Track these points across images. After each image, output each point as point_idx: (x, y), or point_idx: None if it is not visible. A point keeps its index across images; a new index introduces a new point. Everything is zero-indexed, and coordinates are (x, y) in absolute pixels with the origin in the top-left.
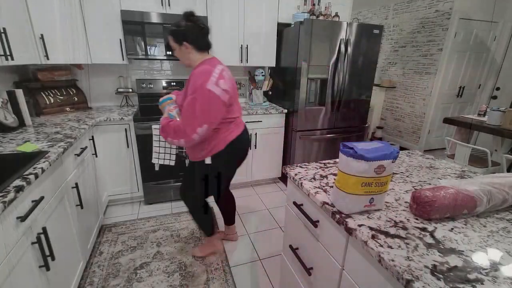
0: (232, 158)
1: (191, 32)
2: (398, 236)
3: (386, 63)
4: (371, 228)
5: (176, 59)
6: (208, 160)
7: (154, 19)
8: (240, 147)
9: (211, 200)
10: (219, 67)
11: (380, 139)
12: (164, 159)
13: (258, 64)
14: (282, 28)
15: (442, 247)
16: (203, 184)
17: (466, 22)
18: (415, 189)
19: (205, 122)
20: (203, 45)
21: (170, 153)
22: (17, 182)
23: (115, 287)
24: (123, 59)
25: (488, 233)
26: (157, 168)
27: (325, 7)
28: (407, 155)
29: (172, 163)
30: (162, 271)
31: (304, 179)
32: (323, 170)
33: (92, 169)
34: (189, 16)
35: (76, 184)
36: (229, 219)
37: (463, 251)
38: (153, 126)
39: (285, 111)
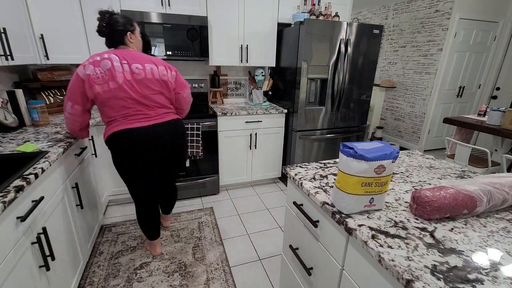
0: (115, 154)
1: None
2: (398, 236)
3: (386, 63)
4: (371, 228)
5: (176, 59)
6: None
7: (154, 19)
8: (122, 141)
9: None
10: (96, 57)
11: (380, 139)
12: None
13: (258, 64)
14: (282, 28)
15: (442, 247)
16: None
17: (466, 22)
18: (415, 189)
19: (67, 100)
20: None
21: None
22: (17, 182)
23: (115, 287)
24: None
25: (488, 233)
26: None
27: (325, 7)
28: (407, 155)
29: None
30: (162, 271)
31: (304, 179)
32: (323, 170)
33: (92, 169)
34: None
35: (76, 184)
36: (166, 210)
37: (463, 251)
38: None
39: (285, 111)
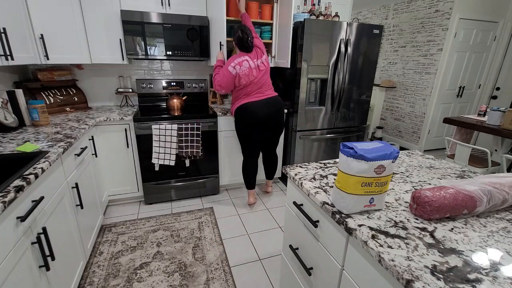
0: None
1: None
2: (398, 236)
3: (386, 63)
4: (371, 228)
5: (176, 59)
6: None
7: (154, 19)
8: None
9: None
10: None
11: (380, 139)
12: (164, 159)
13: None
14: None
15: (442, 247)
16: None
17: (466, 22)
18: (415, 189)
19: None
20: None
21: (170, 153)
22: (17, 182)
23: (115, 287)
24: (123, 59)
25: (488, 233)
26: (157, 168)
27: (325, 7)
28: (407, 155)
29: (172, 163)
30: (162, 271)
31: (304, 179)
32: (323, 170)
33: (92, 169)
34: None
35: (76, 184)
36: (268, 175)
37: (463, 251)
38: (153, 126)
39: (285, 111)
